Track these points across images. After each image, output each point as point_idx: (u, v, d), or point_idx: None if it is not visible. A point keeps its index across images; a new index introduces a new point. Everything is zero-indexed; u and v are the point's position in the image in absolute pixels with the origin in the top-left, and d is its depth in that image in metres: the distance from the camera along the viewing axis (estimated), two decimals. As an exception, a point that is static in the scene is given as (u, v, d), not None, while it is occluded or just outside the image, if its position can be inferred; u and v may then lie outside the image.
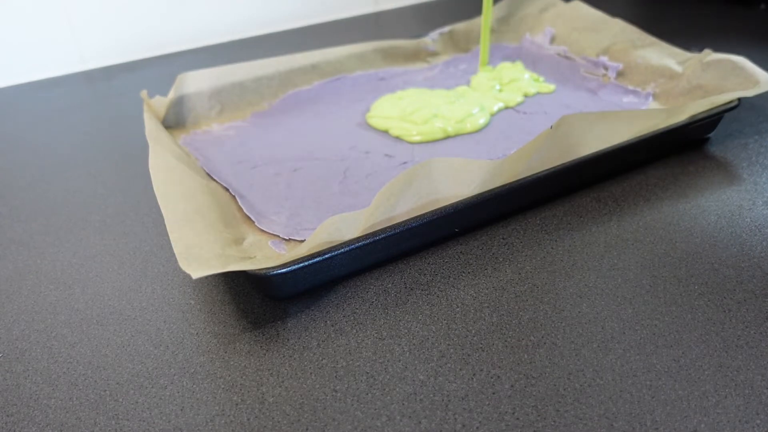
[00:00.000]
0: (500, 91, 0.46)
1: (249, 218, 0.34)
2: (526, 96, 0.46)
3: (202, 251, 0.27)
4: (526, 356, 0.25)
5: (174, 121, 0.44)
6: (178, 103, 0.43)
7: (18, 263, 0.33)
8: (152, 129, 0.38)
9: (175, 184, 0.32)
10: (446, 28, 0.54)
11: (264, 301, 0.29)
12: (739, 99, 0.37)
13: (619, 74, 0.46)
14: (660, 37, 0.47)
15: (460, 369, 0.25)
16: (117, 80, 0.57)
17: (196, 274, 0.25)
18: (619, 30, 0.48)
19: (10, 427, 0.24)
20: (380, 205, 0.29)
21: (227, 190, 0.36)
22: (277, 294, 0.29)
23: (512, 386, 0.24)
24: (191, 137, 0.42)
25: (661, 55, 0.45)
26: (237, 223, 0.33)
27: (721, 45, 0.46)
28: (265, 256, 0.30)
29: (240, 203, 0.35)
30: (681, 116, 0.36)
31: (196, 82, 0.44)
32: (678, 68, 0.43)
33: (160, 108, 0.43)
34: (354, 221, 0.28)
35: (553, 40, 0.52)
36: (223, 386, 0.25)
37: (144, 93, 0.43)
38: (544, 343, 0.26)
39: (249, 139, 0.42)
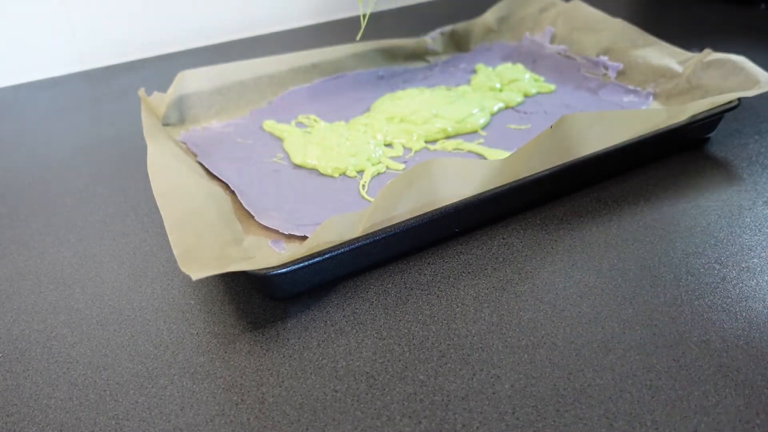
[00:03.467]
0: (500, 90, 0.46)
1: (248, 217, 0.34)
2: (526, 96, 0.46)
3: (201, 252, 0.27)
4: (526, 356, 0.25)
5: (173, 119, 0.44)
6: (178, 101, 0.43)
7: (18, 263, 0.33)
8: (150, 128, 0.38)
9: (173, 184, 0.32)
10: (447, 28, 0.54)
11: (264, 301, 0.29)
12: (739, 99, 0.37)
13: (620, 74, 0.46)
14: (660, 37, 0.47)
15: (460, 369, 0.25)
16: (117, 80, 0.57)
17: (196, 275, 0.25)
18: (619, 30, 0.48)
19: (10, 427, 0.24)
20: (380, 205, 0.29)
21: (227, 186, 0.36)
22: (277, 294, 0.29)
23: (512, 386, 0.24)
24: (190, 134, 0.42)
25: (662, 55, 0.45)
26: (236, 222, 0.33)
27: (721, 45, 0.46)
28: (264, 255, 0.30)
29: (239, 198, 0.35)
30: (681, 116, 0.36)
31: (196, 80, 0.44)
32: (678, 68, 0.43)
33: (159, 106, 0.43)
34: (354, 221, 0.28)
35: (553, 39, 0.52)
36: (223, 386, 0.25)
37: (142, 91, 0.43)
38: (544, 343, 0.26)
39: (248, 136, 0.42)
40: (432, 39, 0.53)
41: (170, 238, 0.28)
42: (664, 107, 0.40)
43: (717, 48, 0.43)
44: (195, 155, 0.39)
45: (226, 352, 0.27)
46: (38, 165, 0.43)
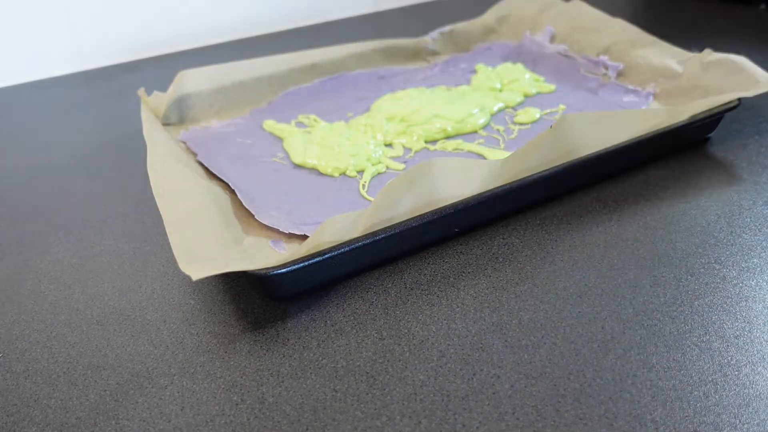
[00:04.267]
0: (500, 90, 0.46)
1: (248, 217, 0.34)
2: (526, 96, 0.46)
3: (201, 252, 0.27)
4: (526, 356, 0.25)
5: (173, 118, 0.44)
6: (178, 101, 0.43)
7: (18, 263, 0.33)
8: (150, 128, 0.38)
9: (173, 184, 0.32)
10: (447, 28, 0.54)
11: (264, 301, 0.29)
12: (739, 99, 0.37)
13: (620, 74, 0.46)
14: (660, 37, 0.47)
15: (460, 369, 0.25)
16: (117, 80, 0.57)
17: (196, 275, 0.25)
18: (619, 29, 0.48)
19: (10, 427, 0.24)
20: (380, 204, 0.29)
21: (226, 185, 0.36)
22: (277, 294, 0.29)
23: (512, 386, 0.24)
24: (190, 133, 0.42)
25: (662, 55, 0.45)
26: (236, 222, 0.33)
27: (721, 45, 0.46)
28: (264, 255, 0.30)
29: (239, 197, 0.35)
30: (681, 116, 0.36)
31: (196, 79, 0.44)
32: (678, 68, 0.43)
33: (159, 105, 0.43)
34: (354, 221, 0.28)
35: (553, 39, 0.52)
36: (223, 386, 0.25)
37: (141, 91, 0.43)
38: (544, 343, 0.26)
39: (248, 135, 0.43)
40: (432, 39, 0.53)
41: (170, 238, 0.28)
42: (665, 107, 0.40)
43: (717, 48, 0.43)
44: (195, 154, 0.39)
45: (226, 352, 0.27)
46: (38, 165, 0.43)
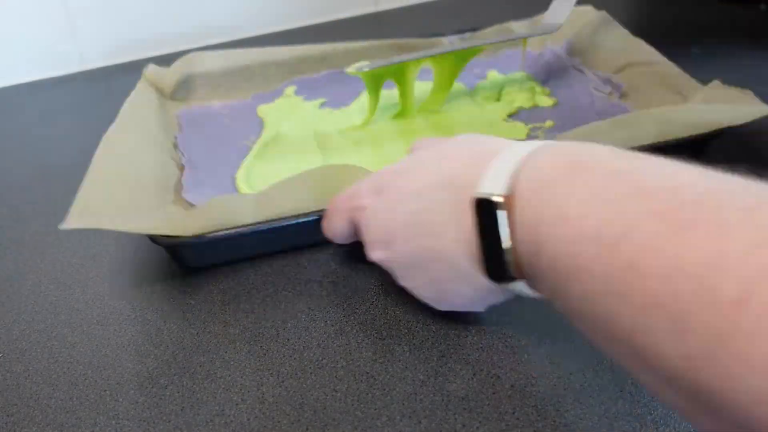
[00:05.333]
0: (497, 100, 0.45)
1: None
2: (520, 108, 0.44)
3: (97, 209, 0.29)
4: (526, 356, 0.25)
5: (179, 95, 0.45)
6: (187, 78, 0.45)
7: (18, 263, 0.33)
8: (136, 102, 0.40)
9: (117, 152, 0.34)
10: (467, 34, 0.53)
11: (264, 301, 0.29)
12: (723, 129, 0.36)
13: (623, 94, 0.44)
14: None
15: (460, 369, 0.25)
16: (117, 80, 0.57)
17: (68, 225, 0.27)
18: (636, 50, 0.46)
19: (10, 427, 0.24)
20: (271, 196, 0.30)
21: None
22: (188, 264, 0.31)
23: (512, 386, 0.24)
24: (191, 110, 0.44)
25: (671, 81, 0.42)
26: (171, 193, 0.34)
27: (721, 45, 0.45)
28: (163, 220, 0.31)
29: (185, 173, 0.37)
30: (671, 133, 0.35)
31: (204, 61, 0.46)
32: (683, 96, 0.41)
33: (167, 82, 0.45)
34: (243, 205, 0.30)
35: (571, 51, 0.50)
36: (223, 386, 0.25)
37: (150, 68, 0.44)
38: (544, 343, 0.26)
39: (238, 118, 0.44)
40: (449, 42, 0.52)
41: (79, 192, 0.29)
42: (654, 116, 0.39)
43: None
44: (178, 132, 0.42)
45: (226, 352, 0.27)
46: (38, 165, 0.43)
